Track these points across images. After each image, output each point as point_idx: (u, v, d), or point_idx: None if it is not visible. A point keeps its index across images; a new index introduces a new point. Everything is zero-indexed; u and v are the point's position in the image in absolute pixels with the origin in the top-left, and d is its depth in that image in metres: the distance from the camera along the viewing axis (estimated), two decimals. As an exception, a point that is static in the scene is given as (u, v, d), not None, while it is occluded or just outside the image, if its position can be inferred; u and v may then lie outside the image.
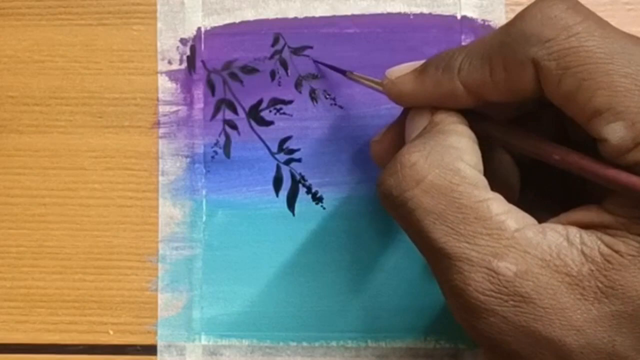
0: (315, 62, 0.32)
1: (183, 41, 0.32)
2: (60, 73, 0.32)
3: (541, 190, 0.27)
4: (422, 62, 0.26)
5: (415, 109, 0.26)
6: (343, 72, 0.30)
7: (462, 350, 0.31)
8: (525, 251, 0.21)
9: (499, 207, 0.22)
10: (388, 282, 0.31)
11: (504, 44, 0.23)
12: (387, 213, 0.31)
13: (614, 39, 0.21)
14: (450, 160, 0.23)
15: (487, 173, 0.24)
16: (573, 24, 0.22)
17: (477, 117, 0.25)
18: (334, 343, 0.31)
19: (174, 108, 0.32)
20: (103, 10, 0.32)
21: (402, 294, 0.31)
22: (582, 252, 0.21)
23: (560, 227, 0.22)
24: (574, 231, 0.22)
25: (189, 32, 0.32)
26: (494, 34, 0.24)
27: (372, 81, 0.28)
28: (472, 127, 0.25)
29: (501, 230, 0.22)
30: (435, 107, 0.25)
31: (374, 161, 0.29)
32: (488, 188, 0.23)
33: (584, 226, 0.22)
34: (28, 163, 0.32)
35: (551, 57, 0.22)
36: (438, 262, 0.23)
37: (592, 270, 0.21)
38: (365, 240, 0.31)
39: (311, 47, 0.32)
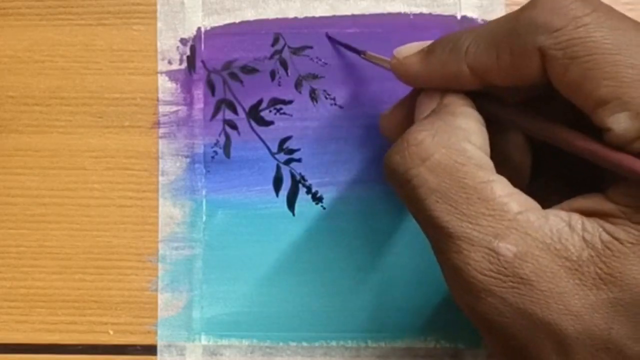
0: (330, 39, 0.31)
1: (183, 41, 0.32)
2: (60, 73, 0.32)
3: (554, 176, 0.27)
4: (429, 42, 0.26)
5: (426, 90, 0.26)
6: (359, 53, 0.30)
7: (462, 350, 0.31)
8: (527, 233, 0.22)
9: (502, 189, 0.22)
10: (388, 282, 0.31)
11: (512, 30, 0.23)
12: (387, 212, 0.31)
13: (623, 31, 0.22)
14: (456, 140, 0.23)
15: (497, 155, 0.24)
16: (582, 15, 0.22)
17: (486, 98, 0.25)
18: (334, 343, 0.31)
19: (174, 108, 0.32)
20: (103, 10, 0.32)
21: (402, 294, 0.31)
22: (583, 238, 0.21)
23: (563, 213, 0.22)
24: (576, 217, 0.22)
25: (189, 32, 0.32)
26: (503, 19, 0.24)
27: (384, 61, 0.28)
28: (481, 108, 0.25)
29: (503, 211, 0.22)
30: (444, 89, 0.25)
31: (383, 134, 0.29)
32: (493, 170, 0.23)
33: (587, 213, 0.22)
34: (28, 163, 0.32)
35: (558, 46, 0.22)
36: (439, 240, 0.23)
37: (591, 256, 0.21)
38: (365, 240, 0.31)
39: (311, 47, 0.32)
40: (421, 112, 0.26)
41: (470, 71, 0.24)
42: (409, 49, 0.26)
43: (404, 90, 0.31)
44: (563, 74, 0.22)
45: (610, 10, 0.22)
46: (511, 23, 0.23)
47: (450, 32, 0.25)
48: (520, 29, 0.23)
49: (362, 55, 0.30)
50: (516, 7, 0.31)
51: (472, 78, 0.24)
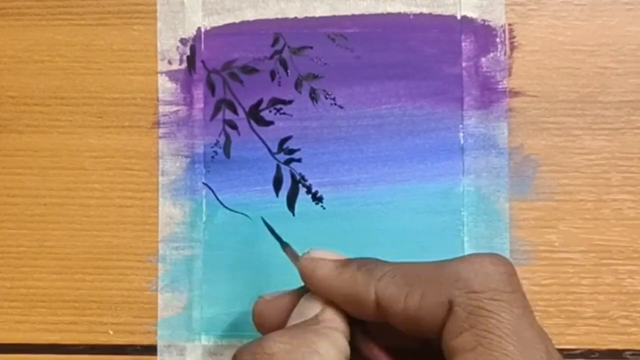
0: (265, 223, 0.29)
1: (183, 41, 0.32)
2: (60, 73, 0.32)
3: None
4: (344, 257, 0.26)
5: (311, 295, 0.26)
6: (282, 244, 0.28)
7: (462, 350, 0.31)
8: None
9: None
10: (388, 282, 0.31)
11: (432, 276, 0.23)
12: (387, 212, 0.31)
13: (528, 325, 0.22)
14: None
15: None
16: (502, 290, 0.22)
17: (362, 333, 0.25)
18: (334, 343, 0.31)
19: (174, 108, 0.32)
20: (103, 11, 0.32)
21: (402, 294, 0.31)
22: None
23: None
24: None
25: (189, 32, 0.32)
26: (428, 264, 0.24)
27: (297, 258, 0.27)
28: (354, 339, 0.25)
29: None
30: (327, 303, 0.25)
31: (252, 317, 0.28)
32: None
33: None
34: (28, 163, 0.32)
35: (467, 308, 0.22)
36: None
37: None
38: (365, 240, 0.31)
39: (311, 48, 0.32)
40: (298, 315, 0.26)
41: (375, 298, 0.24)
42: (325, 254, 0.26)
43: (404, 90, 0.32)
44: (457, 336, 0.22)
45: (525, 299, 0.23)
46: (434, 270, 0.23)
47: (371, 258, 0.25)
48: (441, 276, 0.23)
49: (283, 248, 0.28)
50: (516, 7, 0.32)
51: (374, 306, 0.24)
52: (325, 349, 0.23)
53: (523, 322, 0.22)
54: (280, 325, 0.26)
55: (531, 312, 0.22)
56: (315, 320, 0.25)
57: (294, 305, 0.26)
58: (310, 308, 0.25)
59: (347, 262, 0.25)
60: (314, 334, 0.24)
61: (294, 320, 0.25)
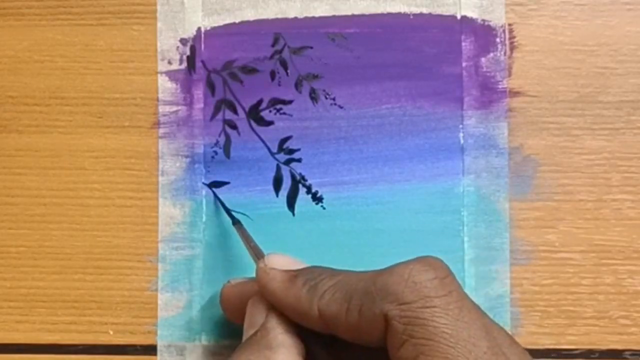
0: (216, 196, 0.31)
1: (183, 41, 0.32)
2: (60, 73, 0.32)
3: None
4: (300, 266, 0.26)
5: (255, 300, 0.26)
6: (233, 220, 0.30)
7: (462, 350, 0.31)
8: None
9: None
10: (388, 282, 0.31)
11: (367, 291, 0.23)
12: (387, 212, 0.31)
13: (466, 324, 0.22)
14: None
15: None
16: (434, 296, 0.22)
17: (313, 337, 0.25)
18: (334, 343, 0.31)
19: (174, 108, 0.32)
20: (103, 11, 0.32)
21: (402, 294, 0.31)
22: None
23: None
24: None
25: (189, 32, 0.32)
26: (364, 277, 0.24)
27: (252, 248, 0.28)
28: (305, 338, 0.25)
29: None
30: (271, 307, 0.26)
31: (220, 301, 0.30)
32: None
33: None
34: (28, 163, 0.32)
35: (402, 320, 0.22)
36: None
37: None
38: (365, 240, 0.31)
39: (311, 47, 0.32)
40: (249, 322, 0.26)
41: (319, 314, 0.24)
42: (281, 262, 0.26)
43: (404, 90, 0.32)
44: (398, 348, 0.22)
45: (463, 298, 0.23)
46: (368, 283, 0.24)
47: (320, 268, 0.26)
48: (374, 291, 0.23)
49: (234, 225, 0.30)
50: (516, 7, 0.32)
51: (319, 322, 0.24)
52: (282, 358, 0.24)
53: (461, 322, 0.22)
54: (242, 309, 0.27)
55: (472, 309, 0.23)
56: (263, 330, 0.25)
57: (250, 294, 0.27)
58: (256, 315, 0.26)
59: (294, 277, 0.26)
60: (267, 349, 0.24)
61: (246, 330, 0.26)
